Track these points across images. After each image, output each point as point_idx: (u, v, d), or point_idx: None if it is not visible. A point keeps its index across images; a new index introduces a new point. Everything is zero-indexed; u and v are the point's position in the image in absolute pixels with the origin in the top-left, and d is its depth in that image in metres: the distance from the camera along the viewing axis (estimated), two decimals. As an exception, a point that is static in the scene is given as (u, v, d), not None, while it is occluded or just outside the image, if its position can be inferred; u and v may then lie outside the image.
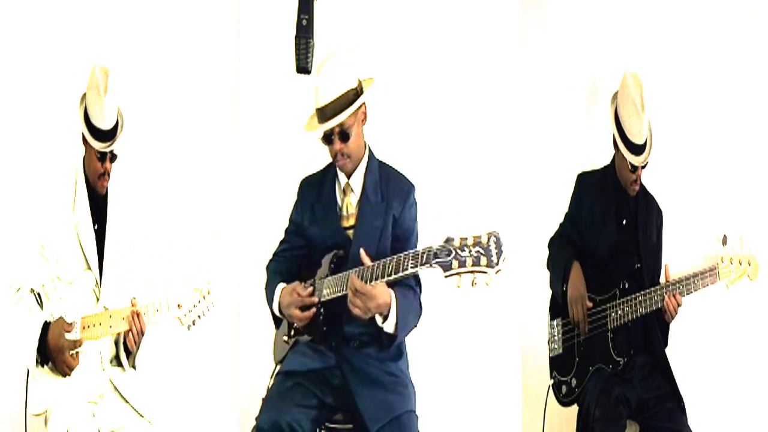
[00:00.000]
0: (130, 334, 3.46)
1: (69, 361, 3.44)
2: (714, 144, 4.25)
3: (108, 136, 3.49)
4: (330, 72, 3.35)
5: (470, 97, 4.28)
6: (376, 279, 3.18)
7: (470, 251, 2.93)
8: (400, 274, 3.12)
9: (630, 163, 3.75)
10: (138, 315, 3.45)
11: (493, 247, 2.92)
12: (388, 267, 3.15)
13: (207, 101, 4.21)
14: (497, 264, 2.92)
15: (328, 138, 3.39)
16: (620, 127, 3.76)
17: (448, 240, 2.99)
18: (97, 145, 3.48)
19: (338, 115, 3.32)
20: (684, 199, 4.18)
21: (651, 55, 4.19)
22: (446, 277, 2.97)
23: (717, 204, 4.22)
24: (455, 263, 2.94)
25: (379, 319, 3.25)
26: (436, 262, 2.97)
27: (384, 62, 4.11)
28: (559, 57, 4.37)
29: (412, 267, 3.08)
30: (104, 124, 3.47)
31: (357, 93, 3.37)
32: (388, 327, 3.26)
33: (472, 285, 2.94)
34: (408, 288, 3.32)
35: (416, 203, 3.50)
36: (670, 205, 3.95)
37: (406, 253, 3.12)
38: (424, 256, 3.03)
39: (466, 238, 2.95)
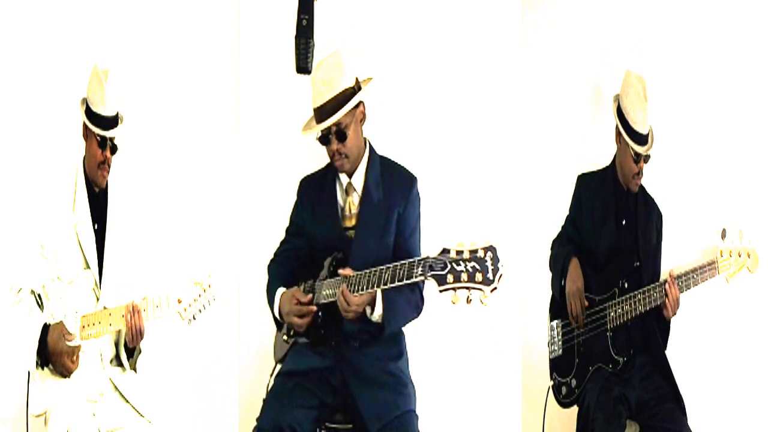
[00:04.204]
0: (130, 331, 3.45)
1: (68, 365, 3.44)
2: (713, 138, 4.24)
3: (109, 123, 3.50)
4: (327, 71, 3.35)
5: (471, 98, 4.27)
6: (372, 286, 3.19)
7: (466, 265, 2.91)
8: (396, 284, 3.12)
9: (634, 151, 3.75)
10: (137, 312, 3.43)
11: (489, 262, 2.90)
12: (384, 275, 3.16)
13: (207, 101, 4.21)
14: (493, 281, 2.90)
15: (325, 138, 3.38)
16: (624, 119, 3.78)
17: (444, 251, 2.97)
18: (98, 130, 3.48)
19: (334, 114, 3.32)
20: (683, 192, 4.17)
21: (651, 54, 4.19)
22: (441, 291, 2.96)
23: (716, 197, 4.21)
24: (450, 277, 2.93)
25: (368, 310, 3.28)
26: (431, 275, 2.96)
27: (384, 63, 4.11)
28: (560, 58, 4.37)
29: (407, 278, 3.07)
30: (105, 110, 3.48)
31: (354, 91, 3.37)
32: (375, 317, 3.29)
33: (467, 302, 2.93)
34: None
35: (419, 197, 3.51)
36: (669, 199, 3.96)
37: (402, 262, 3.11)
38: (420, 267, 3.02)
39: (462, 251, 2.93)
